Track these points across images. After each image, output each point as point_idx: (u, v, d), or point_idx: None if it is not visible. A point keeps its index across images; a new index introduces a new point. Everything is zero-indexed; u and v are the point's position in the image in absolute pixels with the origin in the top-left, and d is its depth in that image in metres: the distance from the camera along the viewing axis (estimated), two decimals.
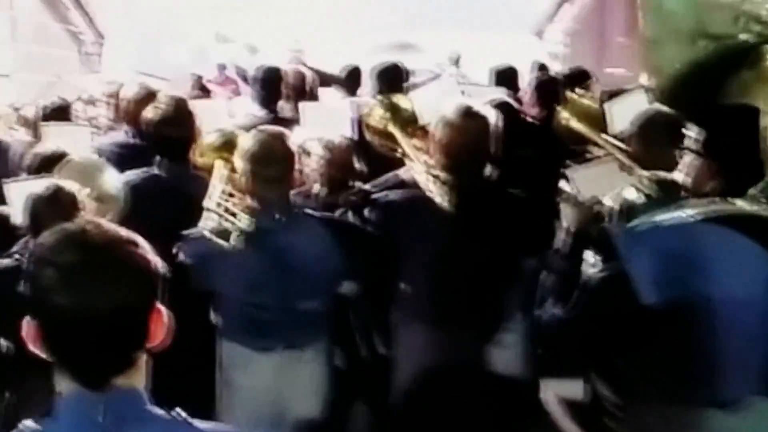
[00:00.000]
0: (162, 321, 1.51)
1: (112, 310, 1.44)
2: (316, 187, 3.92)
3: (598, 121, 3.73)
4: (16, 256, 3.14)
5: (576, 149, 3.78)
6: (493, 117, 3.34)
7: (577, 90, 6.39)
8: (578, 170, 3.24)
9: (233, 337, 3.23)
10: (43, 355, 1.47)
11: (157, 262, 1.52)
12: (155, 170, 3.85)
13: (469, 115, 3.29)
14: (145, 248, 1.51)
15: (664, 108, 3.25)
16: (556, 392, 4.53)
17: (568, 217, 3.08)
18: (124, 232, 1.50)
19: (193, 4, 14.79)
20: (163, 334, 1.52)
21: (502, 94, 4.80)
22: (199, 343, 3.14)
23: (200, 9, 14.66)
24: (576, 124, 3.74)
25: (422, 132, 3.70)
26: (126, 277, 1.46)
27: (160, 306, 1.51)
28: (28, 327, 1.48)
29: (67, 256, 1.45)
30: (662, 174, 2.78)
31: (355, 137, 4.24)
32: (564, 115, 3.82)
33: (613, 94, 4.23)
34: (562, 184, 3.23)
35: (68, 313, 1.43)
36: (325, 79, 7.41)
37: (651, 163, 2.98)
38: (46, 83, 6.54)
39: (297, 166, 3.26)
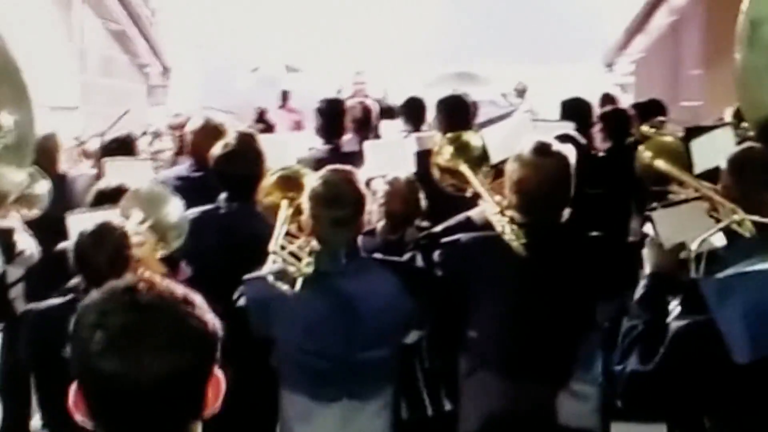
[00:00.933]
0: (220, 388, 1.38)
1: (166, 378, 1.32)
2: (379, 224, 3.81)
3: (682, 160, 3.53)
4: (71, 295, 3.07)
5: (656, 190, 3.59)
6: (572, 156, 3.17)
7: (651, 123, 6.20)
8: (662, 213, 3.05)
9: (294, 387, 3.09)
10: (89, 426, 1.35)
11: (216, 324, 1.39)
12: (219, 207, 3.77)
13: (546, 153, 3.13)
14: (203, 308, 1.38)
15: (759, 146, 3.05)
16: None
17: (651, 263, 2.92)
18: (179, 291, 1.38)
19: (258, 35, 14.93)
20: (220, 400, 1.39)
21: (570, 128, 4.63)
22: (260, 393, 3.02)
23: (266, 40, 14.80)
24: (661, 164, 3.54)
25: (494, 171, 3.55)
26: (181, 341, 1.34)
27: (217, 372, 1.38)
28: (74, 394, 1.36)
29: (115, 317, 1.33)
30: (758, 218, 2.60)
31: (418, 172, 4.12)
32: (646, 154, 3.63)
33: (694, 130, 4.03)
34: (646, 227, 3.05)
35: (116, 380, 1.31)
36: (387, 111, 7.34)
37: (745, 205, 2.78)
38: (112, 116, 6.56)
39: (366, 208, 3.12)
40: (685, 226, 2.94)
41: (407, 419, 3.14)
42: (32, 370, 3.26)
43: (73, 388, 1.36)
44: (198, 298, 1.39)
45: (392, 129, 6.07)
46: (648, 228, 3.07)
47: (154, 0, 12.96)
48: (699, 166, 3.49)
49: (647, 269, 2.90)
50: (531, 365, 3.12)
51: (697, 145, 3.60)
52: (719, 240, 2.82)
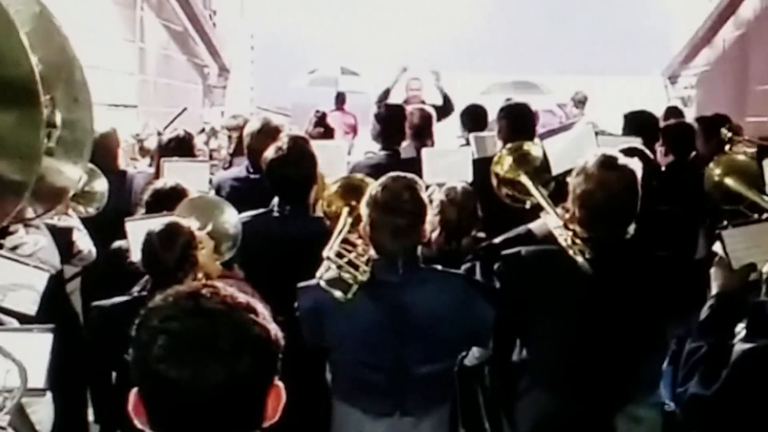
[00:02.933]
0: (280, 399, 1.35)
1: (227, 386, 1.29)
2: (435, 234, 3.75)
3: (755, 179, 3.40)
4: (136, 294, 3.08)
5: (727, 209, 3.47)
6: (639, 170, 3.06)
7: (729, 126, 6.01)
8: (732, 232, 2.93)
9: (346, 399, 3.02)
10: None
11: (278, 333, 1.36)
12: (272, 211, 3.74)
13: (612, 167, 3.01)
14: (266, 316, 1.35)
15: None
16: None
17: (717, 283, 2.82)
18: (242, 298, 1.35)
19: (317, 38, 15.00)
20: (279, 412, 1.35)
21: (637, 143, 4.50)
22: (313, 403, 2.97)
23: (322, 42, 14.85)
24: (732, 183, 3.42)
25: (554, 183, 3.46)
26: (243, 349, 1.30)
27: (278, 382, 1.35)
28: (134, 399, 1.33)
29: (178, 322, 1.30)
30: None
31: (475, 181, 4.05)
32: (716, 172, 3.50)
33: (767, 149, 3.88)
34: (715, 246, 2.94)
35: (177, 386, 1.28)
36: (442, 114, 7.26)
37: None
38: (170, 115, 6.61)
39: (428, 218, 3.01)
40: (755, 247, 2.84)
41: None
42: (93, 365, 3.28)
43: (133, 392, 1.34)
44: (260, 306, 1.36)
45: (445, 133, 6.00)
46: (717, 247, 2.96)
47: (214, 1, 13.06)
48: None
49: (714, 289, 2.80)
50: (590, 386, 3.02)
51: None
52: None
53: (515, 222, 3.50)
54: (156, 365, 1.29)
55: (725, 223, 3.00)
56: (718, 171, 3.54)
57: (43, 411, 2.58)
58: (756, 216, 3.21)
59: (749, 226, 2.99)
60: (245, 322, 1.32)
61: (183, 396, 1.28)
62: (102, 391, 3.40)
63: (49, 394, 2.58)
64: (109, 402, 3.20)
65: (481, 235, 3.74)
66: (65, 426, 2.65)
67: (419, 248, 3.02)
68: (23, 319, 2.76)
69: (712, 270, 2.82)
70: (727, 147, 5.49)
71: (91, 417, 4.02)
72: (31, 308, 2.86)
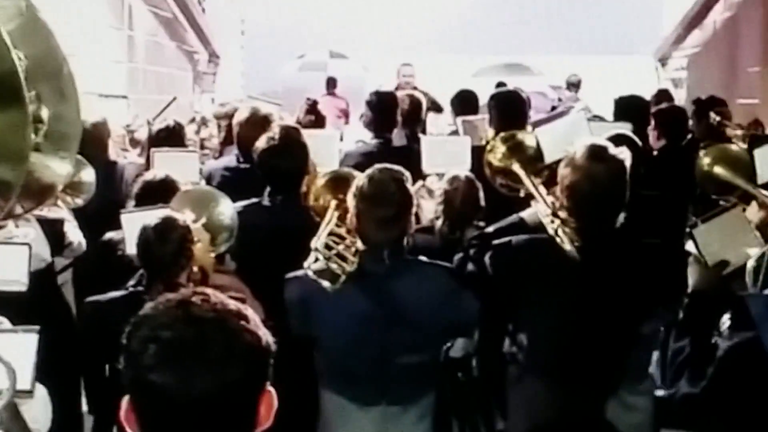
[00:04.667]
0: (272, 404, 1.35)
1: (218, 393, 1.29)
2: (438, 223, 3.76)
3: (745, 168, 3.39)
4: (131, 288, 3.07)
5: (718, 198, 3.46)
6: (627, 159, 3.06)
7: (717, 111, 6.02)
8: (703, 228, 2.93)
9: (333, 389, 3.03)
10: None
11: (269, 338, 1.36)
12: (263, 201, 3.74)
13: (599, 158, 3.00)
14: (256, 322, 1.35)
15: None
16: None
17: (693, 281, 2.84)
18: (233, 305, 1.35)
19: (308, 22, 14.94)
20: (272, 417, 1.35)
21: (627, 129, 4.50)
22: (301, 393, 2.98)
23: (311, 26, 14.79)
24: (720, 171, 3.41)
25: (548, 171, 3.45)
26: (234, 356, 1.31)
27: (270, 388, 1.35)
28: (126, 408, 1.33)
29: (168, 331, 1.30)
30: None
31: (472, 169, 4.04)
32: (706, 161, 3.49)
33: (759, 138, 3.87)
34: (688, 245, 2.95)
35: (167, 395, 1.28)
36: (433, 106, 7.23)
37: None
38: (160, 103, 6.58)
39: (414, 209, 3.03)
40: (728, 237, 2.85)
41: None
42: (87, 359, 3.28)
43: (124, 401, 1.34)
44: (251, 312, 1.37)
45: (440, 122, 5.98)
46: (690, 246, 2.97)
47: None
48: (763, 176, 3.37)
49: (690, 288, 2.83)
50: (581, 373, 3.03)
51: (762, 153, 3.46)
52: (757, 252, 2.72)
53: (516, 211, 3.50)
54: (147, 374, 1.29)
55: (695, 220, 3.00)
56: (707, 160, 3.54)
57: (36, 408, 2.58)
58: (723, 203, 3.20)
59: (719, 218, 2.99)
60: (235, 329, 1.32)
61: (174, 404, 1.29)
62: (96, 383, 3.40)
63: (44, 390, 2.59)
64: (103, 393, 3.21)
65: (483, 224, 3.73)
66: (59, 417, 2.65)
67: (405, 239, 3.03)
68: (16, 308, 2.75)
69: (689, 269, 2.84)
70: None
71: (84, 407, 4.03)
72: (21, 284, 2.86)
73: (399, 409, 2.97)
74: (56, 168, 2.45)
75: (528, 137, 3.77)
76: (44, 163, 2.37)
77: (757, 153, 3.48)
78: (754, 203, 3.34)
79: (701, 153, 3.66)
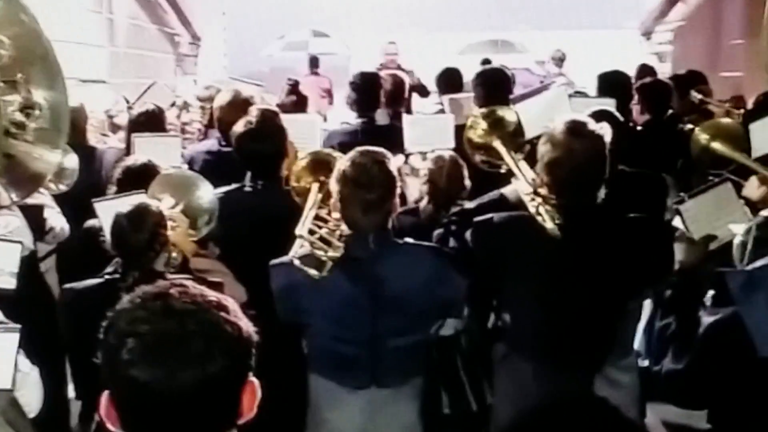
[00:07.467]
0: (255, 395, 1.34)
1: (199, 386, 1.27)
2: (423, 203, 3.74)
3: (740, 143, 3.37)
4: (107, 276, 3.05)
5: (714, 173, 3.44)
6: (608, 134, 3.04)
7: (698, 89, 6.01)
8: (690, 204, 2.92)
9: (322, 373, 3.03)
10: None
11: (250, 329, 1.34)
12: (245, 186, 3.72)
13: (579, 133, 2.97)
14: (237, 313, 1.33)
15: None
16: (661, 417, 4.30)
17: (680, 258, 2.83)
18: (212, 296, 1.33)
19: (289, 1, 14.82)
20: (255, 408, 1.35)
21: (610, 105, 4.49)
22: (289, 378, 2.97)
23: (292, 5, 14.67)
24: (717, 146, 3.39)
25: (529, 147, 3.44)
26: (214, 349, 1.29)
27: (252, 378, 1.34)
28: (105, 403, 1.31)
29: (147, 324, 1.28)
30: None
31: (456, 148, 4.03)
32: (702, 136, 3.47)
33: (754, 112, 3.86)
34: (675, 221, 2.94)
35: (149, 389, 1.26)
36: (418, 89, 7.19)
37: None
38: (141, 86, 6.52)
39: (398, 191, 3.00)
40: (715, 216, 2.84)
41: (450, 414, 3.04)
42: (69, 347, 3.26)
43: (104, 396, 1.32)
44: (231, 303, 1.34)
45: (426, 104, 5.95)
46: (677, 222, 2.96)
47: None
48: (758, 150, 3.35)
49: (676, 265, 2.82)
50: (565, 350, 3.03)
51: (757, 128, 3.45)
52: (739, 228, 2.71)
53: (496, 187, 3.49)
54: (126, 369, 1.27)
55: (682, 195, 2.99)
56: (704, 135, 3.52)
57: (30, 393, 2.58)
58: (711, 179, 3.20)
59: (707, 193, 2.97)
60: (216, 321, 1.30)
61: (155, 398, 1.27)
62: (81, 369, 3.38)
63: (36, 375, 2.59)
64: (89, 378, 3.19)
65: (468, 203, 3.72)
66: (46, 403, 2.65)
67: (394, 220, 3.01)
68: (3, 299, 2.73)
69: (675, 245, 2.84)
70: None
71: (71, 394, 4.02)
72: (10, 282, 2.84)
73: (389, 392, 2.97)
74: (46, 157, 2.43)
75: (508, 113, 3.75)
76: (34, 153, 2.35)
77: (753, 127, 3.47)
78: (752, 179, 3.34)
79: (697, 129, 3.64)
